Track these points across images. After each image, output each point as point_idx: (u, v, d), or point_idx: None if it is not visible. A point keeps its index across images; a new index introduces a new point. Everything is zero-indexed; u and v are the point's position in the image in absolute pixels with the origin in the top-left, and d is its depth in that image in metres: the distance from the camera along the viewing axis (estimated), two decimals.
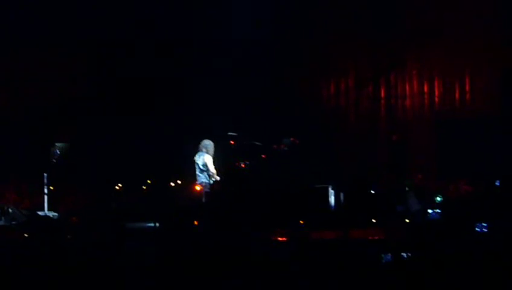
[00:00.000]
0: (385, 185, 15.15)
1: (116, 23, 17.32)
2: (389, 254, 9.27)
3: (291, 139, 13.97)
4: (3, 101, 17.12)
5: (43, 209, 15.11)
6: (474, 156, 15.60)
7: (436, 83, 17.17)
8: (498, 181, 13.76)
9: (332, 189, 13.61)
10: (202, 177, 13.93)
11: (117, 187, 16.07)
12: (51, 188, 15.47)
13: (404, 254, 9.30)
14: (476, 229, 10.76)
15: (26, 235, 12.13)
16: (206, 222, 12.67)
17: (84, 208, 14.39)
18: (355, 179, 14.89)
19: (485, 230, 10.69)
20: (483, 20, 16.35)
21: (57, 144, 15.92)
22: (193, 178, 14.07)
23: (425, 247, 9.74)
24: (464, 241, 10.13)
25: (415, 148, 16.82)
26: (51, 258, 9.77)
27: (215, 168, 13.94)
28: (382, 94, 17.65)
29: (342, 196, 13.71)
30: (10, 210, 14.13)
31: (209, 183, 13.87)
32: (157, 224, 12.94)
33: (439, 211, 12.42)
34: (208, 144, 14.06)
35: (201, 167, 13.95)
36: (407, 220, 12.73)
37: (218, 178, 13.85)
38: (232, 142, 13.79)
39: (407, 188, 14.44)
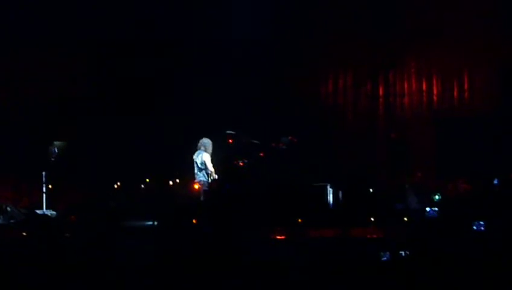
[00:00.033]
0: (384, 183, 15.18)
1: (116, 23, 17.33)
2: (388, 252, 9.24)
3: (290, 137, 13.96)
4: (3, 101, 17.10)
5: (41, 208, 15.10)
6: (473, 155, 15.62)
7: (434, 81, 17.20)
8: (496, 180, 13.77)
9: (330, 187, 13.62)
10: (201, 176, 13.93)
11: (116, 186, 16.08)
12: (50, 186, 15.48)
13: (402, 253, 9.28)
14: (473, 227, 10.73)
15: (24, 233, 12.09)
16: (204, 220, 12.66)
17: (82, 206, 14.37)
18: (353, 177, 14.89)
19: (482, 228, 10.67)
20: (483, 19, 16.35)
21: (55, 142, 15.91)
22: (192, 177, 14.09)
23: (423, 245, 9.72)
24: (460, 240, 10.12)
25: (413, 147, 16.83)
26: (49, 257, 9.75)
27: (214, 167, 13.94)
28: (380, 92, 17.67)
29: (340, 194, 13.73)
30: (8, 209, 14.10)
31: (208, 182, 13.87)
32: (156, 222, 12.93)
33: (436, 209, 12.39)
34: (207, 142, 14.07)
35: (199, 166, 13.96)
36: (405, 219, 12.71)
37: (216, 176, 13.86)
38: (230, 140, 13.78)
39: (407, 186, 14.46)
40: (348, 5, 17.71)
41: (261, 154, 13.66)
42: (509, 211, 11.57)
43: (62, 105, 17.17)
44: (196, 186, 13.91)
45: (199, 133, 14.47)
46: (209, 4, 17.84)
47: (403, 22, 17.28)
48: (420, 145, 16.81)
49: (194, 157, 14.06)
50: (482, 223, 10.69)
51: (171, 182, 15.60)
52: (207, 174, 13.91)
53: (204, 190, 13.84)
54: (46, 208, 15.15)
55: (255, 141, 13.78)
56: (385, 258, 9.22)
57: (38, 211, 14.74)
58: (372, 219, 12.83)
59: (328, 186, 13.60)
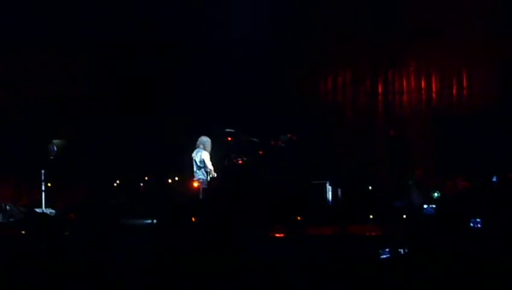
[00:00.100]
0: (383, 180, 15.17)
1: (116, 23, 17.33)
2: (387, 250, 9.23)
3: (289, 135, 13.99)
4: (3, 101, 17.10)
5: (40, 207, 15.08)
6: (472, 152, 15.63)
7: (433, 79, 17.20)
8: (495, 177, 13.76)
9: (329, 185, 13.62)
10: (200, 174, 13.95)
11: (115, 184, 16.08)
12: (49, 185, 15.48)
13: (401, 250, 9.27)
14: (470, 224, 10.72)
15: (23, 232, 12.07)
16: (203, 218, 12.65)
17: (81, 205, 14.35)
18: (352, 175, 14.90)
19: (479, 226, 10.66)
20: (483, 19, 16.34)
21: (54, 140, 15.91)
22: (191, 175, 14.09)
23: (420, 242, 9.71)
24: (457, 237, 10.10)
25: (412, 144, 16.82)
26: (48, 256, 9.73)
27: (213, 165, 13.95)
28: (379, 90, 17.68)
29: (339, 192, 13.74)
30: (8, 207, 14.07)
31: (207, 180, 13.89)
32: (155, 221, 12.92)
33: (433, 206, 12.38)
34: (206, 140, 14.07)
35: (198, 164, 13.97)
36: (404, 216, 12.71)
37: (215, 175, 13.86)
38: (229, 138, 13.80)
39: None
40: (348, 5, 17.73)
41: (260, 152, 13.68)
42: (508, 208, 11.55)
43: (62, 105, 17.16)
44: (195, 184, 13.93)
45: (198, 131, 14.49)
46: (209, 4, 17.86)
47: (403, 22, 17.29)
48: (419, 143, 16.81)
49: (193, 155, 14.08)
50: (478, 220, 10.68)
51: (170, 180, 15.59)
52: (206, 172, 13.92)
53: (203, 188, 13.85)
54: (46, 207, 15.10)
55: (254, 139, 13.80)
56: (384, 256, 9.20)
57: (37, 210, 14.70)
58: (371, 217, 12.84)
59: (327, 184, 13.62)
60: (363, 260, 9.17)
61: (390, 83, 17.55)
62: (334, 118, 17.84)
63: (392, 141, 16.76)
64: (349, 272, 8.76)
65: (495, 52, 16.25)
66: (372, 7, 17.64)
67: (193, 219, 12.59)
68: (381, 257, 9.20)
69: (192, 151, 14.10)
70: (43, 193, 15.34)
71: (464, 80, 16.87)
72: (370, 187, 14.47)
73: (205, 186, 13.84)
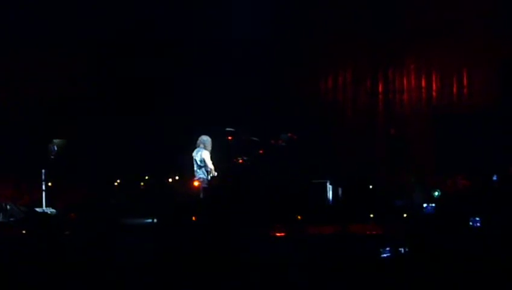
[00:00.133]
0: (383, 179, 15.17)
1: (116, 23, 17.32)
2: (387, 249, 9.23)
3: (289, 134, 13.98)
4: (3, 101, 17.10)
5: (41, 206, 15.10)
6: (472, 151, 15.63)
7: (433, 78, 17.21)
8: (495, 176, 13.77)
9: (330, 184, 13.62)
10: (200, 173, 13.95)
11: (115, 184, 16.08)
12: (49, 185, 15.48)
13: (401, 249, 9.27)
14: (470, 223, 10.73)
15: (24, 232, 12.07)
16: (204, 217, 12.64)
17: (82, 204, 14.35)
18: (353, 174, 14.90)
19: (478, 224, 10.66)
20: (483, 19, 16.35)
21: (54, 140, 15.91)
22: (191, 174, 14.09)
23: (420, 241, 9.72)
24: (459, 236, 10.11)
25: (412, 143, 16.81)
26: (49, 255, 9.72)
27: (213, 164, 13.95)
28: (380, 89, 17.69)
29: (340, 191, 13.74)
30: (8, 207, 14.07)
31: (207, 179, 13.89)
32: (156, 220, 12.91)
33: (433, 205, 12.38)
34: (206, 139, 14.07)
35: (199, 163, 13.97)
36: (404, 215, 12.71)
37: (216, 174, 13.86)
38: (229, 137, 13.80)
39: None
40: (348, 5, 17.73)
41: (261, 151, 13.68)
42: (508, 207, 11.56)
43: (62, 105, 17.15)
44: (195, 183, 13.92)
45: (198, 131, 14.49)
46: (209, 4, 17.85)
47: (403, 22, 17.29)
48: (419, 142, 16.82)
49: (194, 154, 14.08)
50: (478, 219, 10.68)
51: (170, 180, 15.59)
52: (206, 171, 13.92)
53: (203, 187, 13.84)
54: (46, 206, 15.13)
55: (255, 138, 13.79)
56: (385, 255, 9.20)
57: (38, 209, 14.72)
58: (371, 216, 12.84)
59: (328, 183, 13.62)
60: (363, 259, 9.16)
61: (391, 82, 17.57)
62: (334, 117, 17.85)
63: (393, 140, 16.77)
64: (350, 271, 8.75)
65: (495, 52, 16.26)
66: (372, 7, 17.65)
67: (193, 218, 12.59)
68: (382, 255, 9.20)
69: (193, 151, 14.10)
70: (44, 193, 15.35)
71: (464, 79, 16.88)
72: (370, 186, 14.47)
73: (206, 185, 13.84)
